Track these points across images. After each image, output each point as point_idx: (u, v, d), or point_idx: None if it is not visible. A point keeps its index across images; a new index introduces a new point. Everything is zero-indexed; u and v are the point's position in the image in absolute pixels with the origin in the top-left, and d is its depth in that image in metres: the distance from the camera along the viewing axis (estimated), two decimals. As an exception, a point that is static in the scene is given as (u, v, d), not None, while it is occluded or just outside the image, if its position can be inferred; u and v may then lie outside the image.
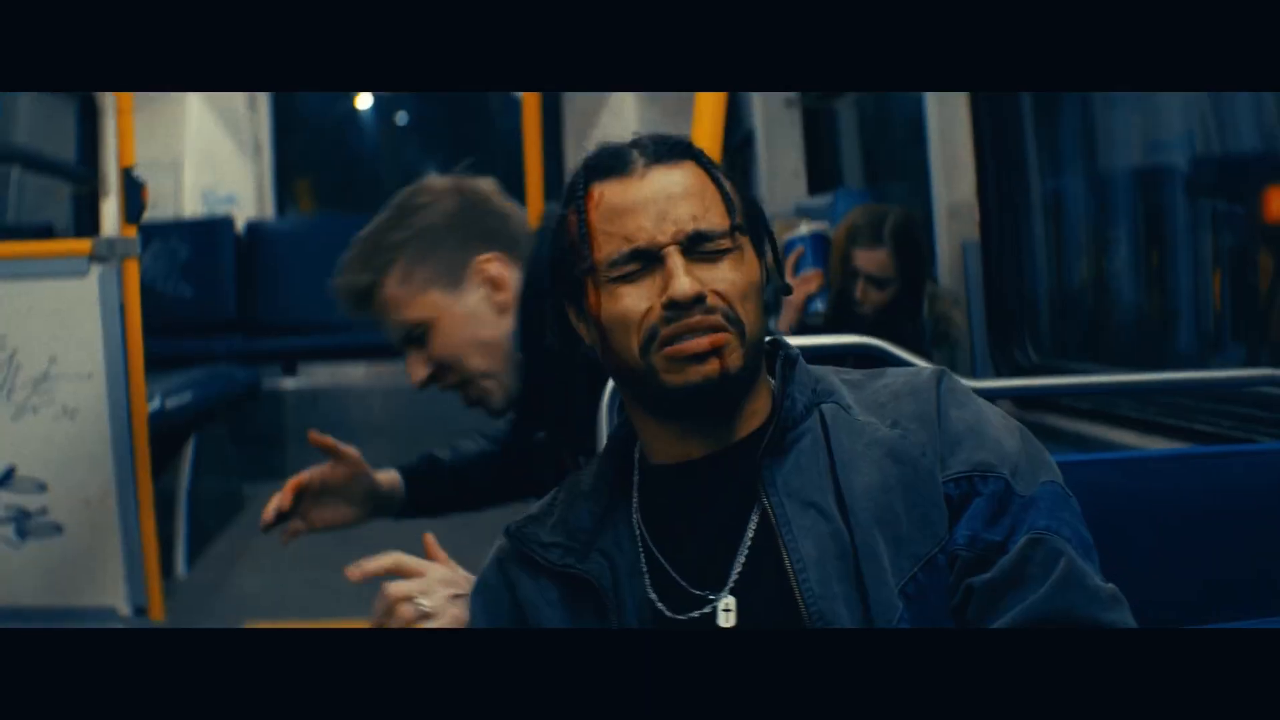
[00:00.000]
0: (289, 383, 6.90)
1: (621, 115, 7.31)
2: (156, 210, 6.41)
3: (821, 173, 5.64)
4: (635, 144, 1.59)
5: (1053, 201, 4.11)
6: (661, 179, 1.55)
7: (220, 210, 7.64)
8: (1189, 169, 3.50)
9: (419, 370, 2.24)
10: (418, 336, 2.21)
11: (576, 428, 2.20)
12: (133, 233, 3.80)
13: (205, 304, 6.94)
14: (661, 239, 1.51)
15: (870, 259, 3.82)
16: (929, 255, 4.10)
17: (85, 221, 7.36)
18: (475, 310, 2.22)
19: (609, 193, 1.55)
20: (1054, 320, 4.17)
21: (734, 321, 1.51)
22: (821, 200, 5.06)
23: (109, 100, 7.47)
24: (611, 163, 1.57)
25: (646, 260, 1.52)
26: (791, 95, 5.48)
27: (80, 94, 7.26)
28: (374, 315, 2.25)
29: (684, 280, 1.49)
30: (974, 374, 3.94)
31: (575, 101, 7.76)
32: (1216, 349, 3.48)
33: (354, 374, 6.76)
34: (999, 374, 3.98)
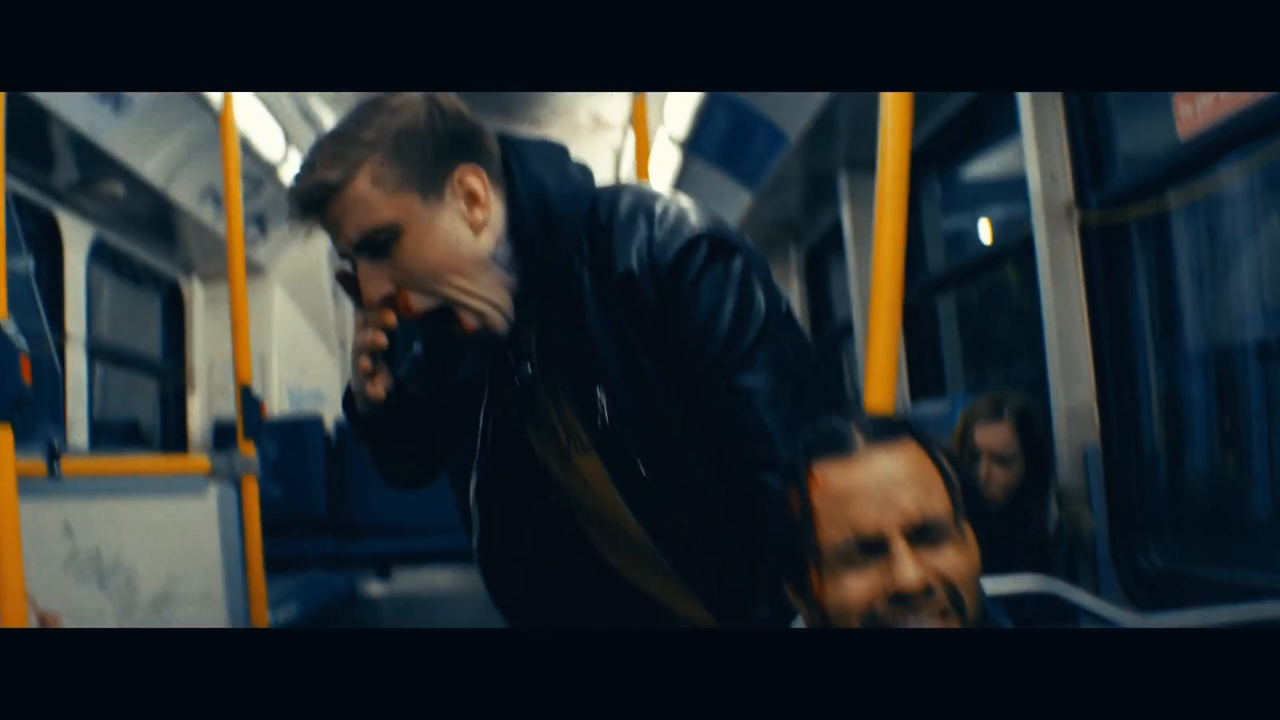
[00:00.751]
0: (378, 588, 6.82)
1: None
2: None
3: (923, 375, 5.55)
4: (855, 420, 1.61)
5: (1172, 398, 4.04)
6: (884, 462, 1.56)
7: (306, 406, 7.66)
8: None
9: (378, 286, 2.02)
10: (380, 244, 2.00)
11: (589, 360, 2.06)
12: (251, 450, 3.78)
13: (296, 505, 6.89)
14: (887, 527, 1.52)
15: (991, 435, 3.81)
16: (1050, 442, 4.04)
17: (171, 417, 7.39)
18: (451, 227, 2.04)
19: (832, 475, 1.57)
20: (1176, 523, 4.08)
21: (958, 607, 1.52)
22: (935, 406, 4.98)
23: (195, 293, 7.57)
24: (832, 442, 1.59)
25: (872, 549, 1.53)
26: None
27: (166, 286, 7.35)
28: (328, 223, 2.03)
29: (911, 572, 1.51)
30: (1097, 580, 3.87)
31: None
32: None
33: (443, 579, 6.68)
34: (1122, 579, 3.90)
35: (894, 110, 2.17)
